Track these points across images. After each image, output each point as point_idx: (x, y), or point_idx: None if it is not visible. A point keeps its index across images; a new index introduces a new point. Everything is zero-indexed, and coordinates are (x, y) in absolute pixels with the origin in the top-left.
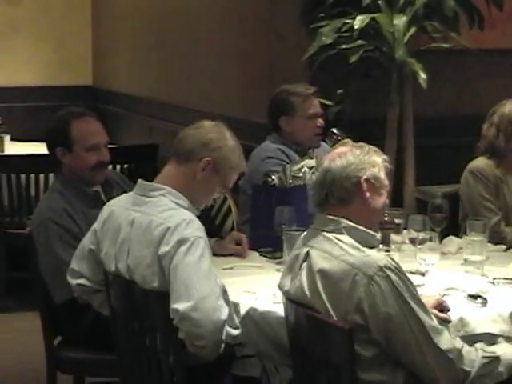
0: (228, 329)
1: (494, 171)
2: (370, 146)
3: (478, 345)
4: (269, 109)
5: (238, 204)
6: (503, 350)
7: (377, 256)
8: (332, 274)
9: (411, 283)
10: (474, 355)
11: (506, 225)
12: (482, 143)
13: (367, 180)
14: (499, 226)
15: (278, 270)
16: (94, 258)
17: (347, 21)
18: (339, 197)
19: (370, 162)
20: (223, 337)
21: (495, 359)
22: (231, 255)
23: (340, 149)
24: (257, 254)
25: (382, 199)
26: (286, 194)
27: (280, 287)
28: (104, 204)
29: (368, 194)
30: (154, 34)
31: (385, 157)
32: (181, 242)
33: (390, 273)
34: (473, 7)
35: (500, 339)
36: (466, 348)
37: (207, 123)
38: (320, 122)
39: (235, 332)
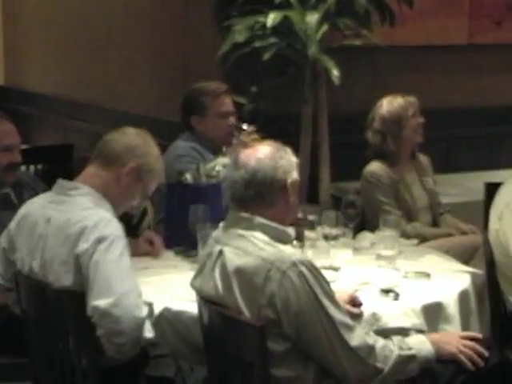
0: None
1: (388, 173)
2: (285, 147)
3: (395, 340)
4: (181, 108)
5: (153, 203)
6: (419, 345)
7: (290, 251)
8: (246, 269)
9: (324, 279)
10: (388, 351)
11: (409, 221)
12: (370, 150)
13: (292, 184)
14: (401, 226)
15: (193, 269)
16: (6, 257)
17: (260, 18)
18: (266, 198)
19: (293, 164)
20: (142, 334)
21: (410, 357)
22: (146, 255)
23: (264, 148)
24: (172, 253)
25: (296, 198)
26: (200, 192)
27: (193, 286)
28: (14, 206)
29: (292, 198)
30: (69, 33)
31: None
32: (100, 240)
33: (303, 268)
34: (384, 4)
35: (412, 332)
36: (380, 343)
37: (132, 130)
38: (232, 120)
39: (147, 332)
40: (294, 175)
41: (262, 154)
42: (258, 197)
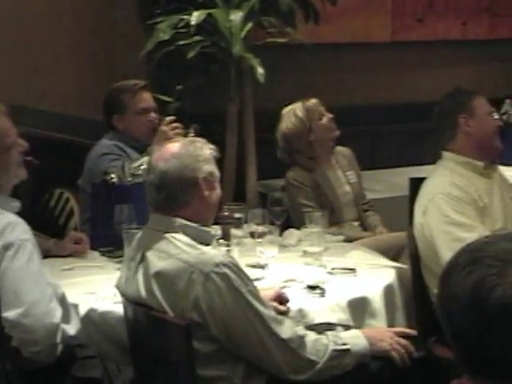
0: (65, 328)
1: (310, 175)
2: (199, 140)
3: (330, 335)
4: (102, 108)
5: (79, 203)
6: (354, 340)
7: (213, 253)
8: (168, 273)
9: (248, 278)
10: (321, 345)
11: (334, 219)
12: (286, 164)
13: (204, 178)
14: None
15: (119, 269)
16: None
17: (184, 17)
18: (178, 199)
19: (204, 158)
20: (58, 340)
21: (345, 352)
22: (71, 256)
23: (172, 147)
24: (97, 254)
25: (217, 192)
26: (126, 191)
27: (118, 287)
28: None
29: (206, 193)
30: None
31: (212, 146)
32: (6, 247)
33: (226, 269)
34: (308, 2)
35: (339, 328)
36: (312, 336)
37: None
38: (153, 115)
39: (72, 331)
40: (207, 169)
41: (169, 154)
42: (171, 199)
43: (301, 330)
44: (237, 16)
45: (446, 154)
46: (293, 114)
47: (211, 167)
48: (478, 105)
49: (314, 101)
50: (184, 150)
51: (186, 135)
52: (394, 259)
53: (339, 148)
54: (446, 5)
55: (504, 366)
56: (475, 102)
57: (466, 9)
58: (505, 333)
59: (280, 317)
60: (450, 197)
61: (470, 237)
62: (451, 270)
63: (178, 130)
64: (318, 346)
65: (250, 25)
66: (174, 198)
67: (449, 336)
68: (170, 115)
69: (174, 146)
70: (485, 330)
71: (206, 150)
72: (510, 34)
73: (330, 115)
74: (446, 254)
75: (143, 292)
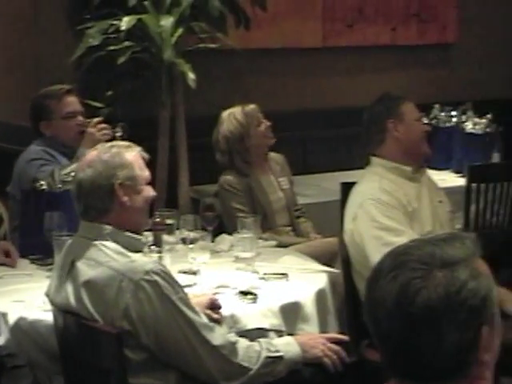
0: None
1: (243, 181)
2: (121, 144)
3: (263, 342)
4: (29, 115)
5: (8, 210)
6: (286, 347)
7: (143, 260)
8: (97, 281)
9: (179, 285)
10: (254, 352)
11: (266, 224)
12: (223, 167)
13: (121, 184)
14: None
15: (49, 277)
16: None
17: (114, 22)
18: (97, 208)
19: (120, 164)
20: None
21: (278, 359)
22: (1, 265)
23: (89, 155)
24: (27, 262)
25: (143, 195)
26: (56, 198)
27: (47, 295)
28: None
29: (126, 198)
30: None
31: (138, 148)
32: None
33: (156, 277)
34: (238, 8)
35: (271, 334)
36: (244, 343)
37: None
38: (80, 119)
39: (1, 341)
40: (124, 174)
41: (86, 163)
42: (89, 207)
43: (233, 337)
44: (167, 21)
45: (374, 159)
46: (233, 117)
47: (131, 172)
48: (407, 110)
49: (252, 106)
50: (98, 158)
51: (113, 135)
52: (328, 265)
53: (272, 154)
54: (375, 10)
55: (430, 368)
56: (404, 107)
57: (395, 14)
58: (430, 336)
59: (211, 324)
60: (379, 202)
61: (400, 241)
62: (377, 274)
63: (105, 131)
64: (251, 352)
65: (180, 30)
66: (92, 206)
67: (376, 340)
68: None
69: (91, 155)
70: (411, 333)
71: (127, 153)
72: (437, 39)
73: (268, 123)
74: (377, 258)
75: (72, 300)
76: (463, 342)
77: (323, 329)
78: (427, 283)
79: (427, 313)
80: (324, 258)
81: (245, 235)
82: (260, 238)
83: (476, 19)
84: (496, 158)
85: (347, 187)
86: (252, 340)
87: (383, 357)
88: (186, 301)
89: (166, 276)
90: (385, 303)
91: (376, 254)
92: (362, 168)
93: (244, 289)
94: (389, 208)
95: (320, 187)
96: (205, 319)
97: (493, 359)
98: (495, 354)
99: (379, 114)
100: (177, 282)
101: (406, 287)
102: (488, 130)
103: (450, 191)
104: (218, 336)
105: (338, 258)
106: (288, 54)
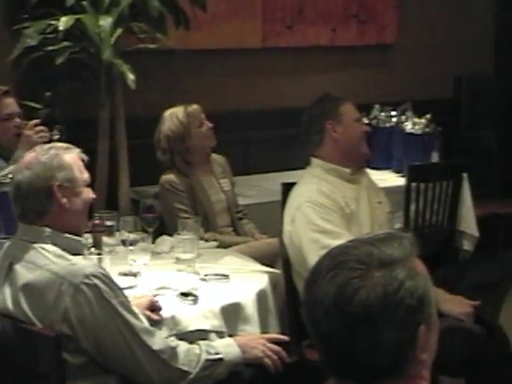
0: None
1: (184, 181)
2: (60, 146)
3: (202, 344)
4: None
5: None
6: (226, 349)
7: (83, 264)
8: (36, 284)
9: (119, 289)
10: (193, 355)
11: (207, 225)
12: (163, 165)
13: (60, 186)
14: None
15: None
16: None
17: (52, 22)
18: (35, 210)
19: (59, 165)
20: None
21: (218, 361)
22: None
23: (27, 157)
24: None
25: (82, 197)
26: None
27: None
28: None
29: (64, 200)
30: None
31: (78, 150)
32: None
33: (96, 280)
34: (178, 8)
35: (212, 335)
36: (184, 347)
37: None
38: (17, 121)
39: None
40: (63, 176)
41: (24, 165)
42: (27, 210)
43: (173, 341)
44: (106, 21)
45: (314, 160)
46: (175, 116)
47: (69, 173)
48: (346, 111)
49: (195, 107)
50: (36, 160)
51: (51, 138)
52: (270, 265)
53: (214, 155)
54: (315, 12)
55: (367, 368)
56: (343, 108)
57: (334, 15)
58: (368, 335)
59: (151, 328)
60: (316, 204)
61: (337, 243)
62: (316, 274)
63: (42, 134)
64: (191, 356)
65: (119, 30)
66: (30, 208)
67: (314, 340)
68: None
69: (29, 156)
70: (348, 333)
71: (65, 155)
72: (376, 40)
73: (210, 124)
74: (314, 261)
75: (10, 304)
76: (401, 341)
77: (264, 329)
78: (365, 283)
79: (365, 312)
80: (266, 259)
81: (185, 236)
82: (201, 239)
83: (415, 20)
84: (435, 157)
85: (288, 188)
86: (192, 342)
87: (321, 357)
88: (126, 305)
89: (107, 279)
90: (323, 303)
91: (313, 257)
92: (303, 168)
93: (185, 290)
94: (326, 210)
95: (261, 188)
96: (145, 323)
97: (430, 358)
98: (432, 353)
99: (318, 115)
100: (117, 285)
101: (344, 287)
102: (427, 129)
103: (390, 191)
104: (158, 340)
105: (279, 258)
106: (228, 55)
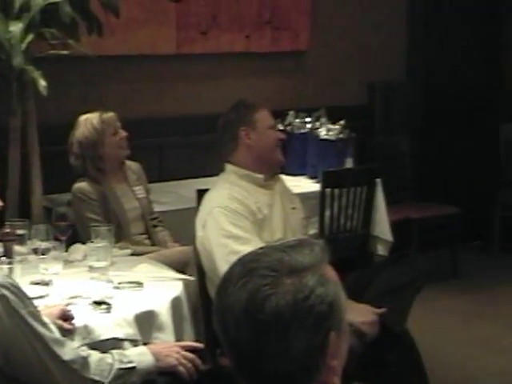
0: None
1: (96, 189)
2: None
3: (115, 353)
4: None
5: None
6: (140, 357)
7: None
8: None
9: (28, 298)
10: (105, 365)
11: (121, 234)
12: (75, 172)
13: None
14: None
15: None
16: None
17: None
18: None
19: None
20: None
21: (131, 370)
22: None
23: None
24: None
25: None
26: None
27: None
28: None
29: None
30: None
31: None
32: None
33: (4, 291)
34: (91, 14)
35: (126, 343)
36: (95, 356)
37: None
38: None
39: None
40: None
41: None
42: None
43: (84, 351)
44: (17, 27)
45: (228, 166)
46: (89, 122)
47: None
48: (260, 118)
49: (111, 114)
50: None
51: None
52: (182, 273)
53: (128, 163)
54: (229, 18)
55: (278, 375)
56: (257, 115)
57: (248, 22)
58: (278, 342)
59: (62, 338)
60: (227, 210)
61: (246, 250)
62: (227, 282)
63: None
64: (103, 365)
65: (30, 36)
66: None
67: (225, 347)
68: None
69: None
70: (259, 340)
71: None
72: (290, 47)
73: (125, 133)
74: (223, 266)
75: None
76: (311, 347)
77: (179, 337)
78: (276, 290)
79: (275, 319)
80: (178, 267)
81: (99, 244)
82: (114, 247)
83: (328, 26)
84: (349, 163)
85: (203, 194)
86: (106, 351)
87: (233, 364)
88: (35, 315)
89: (15, 289)
90: (234, 311)
91: (222, 262)
92: (217, 175)
93: (98, 299)
94: (237, 216)
95: (177, 194)
96: (56, 333)
97: (341, 365)
98: (343, 360)
99: (232, 122)
100: (26, 295)
101: (255, 294)
102: (341, 135)
103: (305, 197)
104: (69, 351)
105: (190, 266)
106: (143, 61)
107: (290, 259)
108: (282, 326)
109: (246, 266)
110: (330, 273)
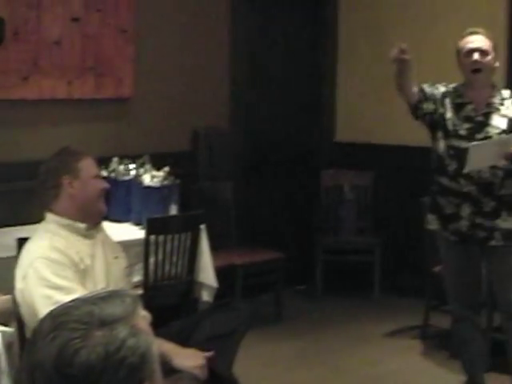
0: None
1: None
2: None
3: None
4: None
5: None
6: None
7: None
8: None
9: None
10: None
11: None
12: None
13: None
14: None
15: None
16: None
17: None
18: None
19: None
20: None
21: None
22: None
23: None
24: None
25: None
26: None
27: None
28: None
29: None
30: None
31: None
32: None
33: None
34: None
35: None
36: None
37: None
38: None
39: None
40: None
41: None
42: None
43: None
44: None
45: (49, 215)
46: None
47: None
48: (84, 167)
49: None
50: None
51: None
52: (4, 324)
53: None
54: (51, 63)
55: None
56: (81, 163)
57: (71, 68)
58: None
59: None
60: (49, 260)
61: (70, 300)
62: (36, 336)
63: None
64: None
65: None
66: None
67: None
68: None
69: None
70: None
71: None
72: (114, 93)
73: None
74: None
75: None
76: None
77: None
78: (86, 343)
79: (86, 373)
80: (2, 318)
81: None
82: None
83: (152, 73)
84: (174, 209)
85: (24, 243)
86: None
87: None
88: None
89: None
90: (44, 367)
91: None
92: (39, 222)
93: None
94: (59, 266)
95: None
96: None
97: None
98: None
99: (55, 169)
100: None
101: (65, 348)
102: (166, 182)
103: (129, 244)
104: None
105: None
106: None
107: (100, 311)
108: (92, 380)
109: (55, 319)
110: (142, 323)
